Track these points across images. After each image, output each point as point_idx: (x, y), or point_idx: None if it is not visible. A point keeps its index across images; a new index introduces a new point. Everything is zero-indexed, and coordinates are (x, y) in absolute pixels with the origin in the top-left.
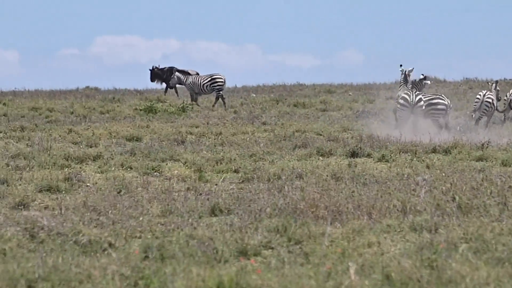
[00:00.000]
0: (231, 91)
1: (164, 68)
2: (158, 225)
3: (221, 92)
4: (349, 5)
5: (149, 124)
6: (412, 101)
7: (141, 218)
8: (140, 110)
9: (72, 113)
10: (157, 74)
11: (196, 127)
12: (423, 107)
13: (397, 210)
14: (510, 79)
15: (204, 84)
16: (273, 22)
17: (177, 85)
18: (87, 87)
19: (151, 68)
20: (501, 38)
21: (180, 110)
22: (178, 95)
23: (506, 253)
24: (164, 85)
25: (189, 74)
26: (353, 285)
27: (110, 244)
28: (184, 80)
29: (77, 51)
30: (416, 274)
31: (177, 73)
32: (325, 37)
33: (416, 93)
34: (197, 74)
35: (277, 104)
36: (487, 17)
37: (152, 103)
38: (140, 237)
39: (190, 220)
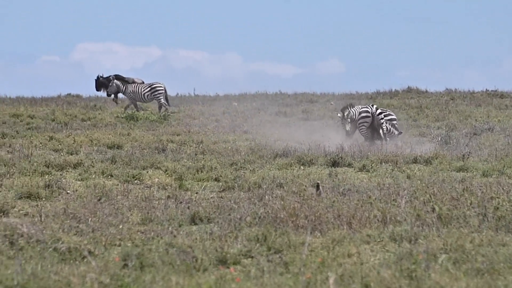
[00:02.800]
0: (213, 99)
1: (109, 76)
2: (138, 233)
3: (162, 100)
4: (330, 14)
5: (130, 131)
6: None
7: (121, 226)
8: (122, 117)
9: (53, 120)
10: (102, 83)
11: (177, 135)
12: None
13: (377, 220)
14: (492, 91)
15: (144, 93)
16: (253, 31)
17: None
18: (69, 94)
19: (96, 78)
20: (483, 49)
21: (161, 118)
22: (117, 103)
23: (486, 264)
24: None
25: (128, 82)
26: None
27: (90, 252)
28: (124, 89)
29: (58, 58)
30: (395, 284)
31: (116, 81)
32: (305, 45)
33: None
34: (143, 82)
35: (259, 113)
36: (469, 28)
37: (133, 111)
38: (119, 245)
39: (170, 228)
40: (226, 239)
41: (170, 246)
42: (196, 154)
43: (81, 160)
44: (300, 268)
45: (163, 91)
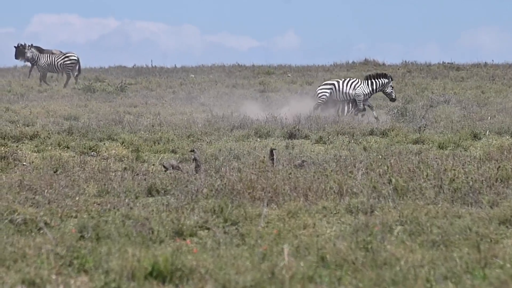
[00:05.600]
0: (170, 71)
1: (29, 45)
2: (94, 204)
3: (73, 71)
4: None
5: (87, 103)
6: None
7: (77, 198)
8: (79, 89)
9: (9, 91)
10: (21, 51)
11: (134, 107)
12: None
13: (334, 192)
14: (448, 63)
15: (58, 62)
16: (211, 2)
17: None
18: (25, 65)
19: (16, 46)
20: (440, 22)
21: (118, 89)
22: (29, 75)
23: (441, 236)
24: (27, 63)
25: (42, 53)
26: (288, 267)
27: (46, 223)
28: (37, 59)
29: (14, 30)
30: (351, 256)
31: (32, 49)
32: (263, 19)
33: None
34: (61, 52)
35: (216, 85)
36: (427, 1)
37: (90, 82)
38: (76, 217)
39: (126, 200)
40: (183, 211)
41: (126, 218)
42: (153, 126)
43: (37, 131)
44: (256, 240)
45: (76, 62)
